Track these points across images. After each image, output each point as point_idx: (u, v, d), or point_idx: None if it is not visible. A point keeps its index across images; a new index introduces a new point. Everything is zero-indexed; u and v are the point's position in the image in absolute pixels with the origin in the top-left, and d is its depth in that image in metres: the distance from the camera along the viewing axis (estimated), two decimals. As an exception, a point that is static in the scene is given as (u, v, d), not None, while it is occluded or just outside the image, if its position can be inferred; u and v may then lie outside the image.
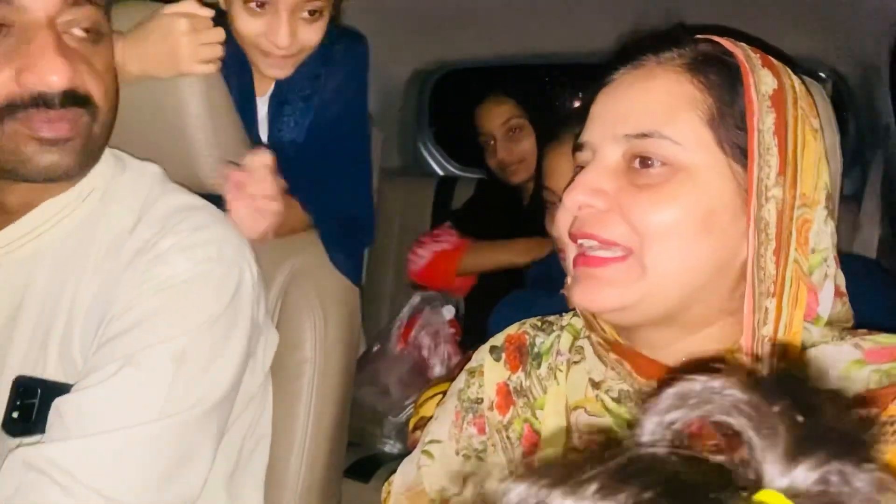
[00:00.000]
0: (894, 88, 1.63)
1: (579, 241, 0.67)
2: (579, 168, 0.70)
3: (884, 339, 0.64)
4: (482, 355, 0.85)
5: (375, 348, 1.86)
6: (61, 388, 0.79)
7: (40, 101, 0.75)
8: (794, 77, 0.69)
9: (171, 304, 0.80)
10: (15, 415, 0.79)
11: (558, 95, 2.68)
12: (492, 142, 1.98)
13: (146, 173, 0.91)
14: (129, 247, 0.83)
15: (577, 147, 0.71)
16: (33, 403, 0.79)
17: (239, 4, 1.16)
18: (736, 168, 0.64)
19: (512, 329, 0.85)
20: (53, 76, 0.74)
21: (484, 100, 2.02)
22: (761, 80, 0.65)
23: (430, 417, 1.25)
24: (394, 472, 0.87)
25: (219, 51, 0.99)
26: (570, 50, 1.99)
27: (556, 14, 1.80)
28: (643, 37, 0.72)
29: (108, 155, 0.90)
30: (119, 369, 0.76)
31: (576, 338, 0.78)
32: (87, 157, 0.83)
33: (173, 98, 0.97)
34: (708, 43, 0.69)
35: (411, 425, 1.59)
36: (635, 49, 0.70)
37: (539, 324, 0.84)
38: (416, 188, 2.29)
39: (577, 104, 2.41)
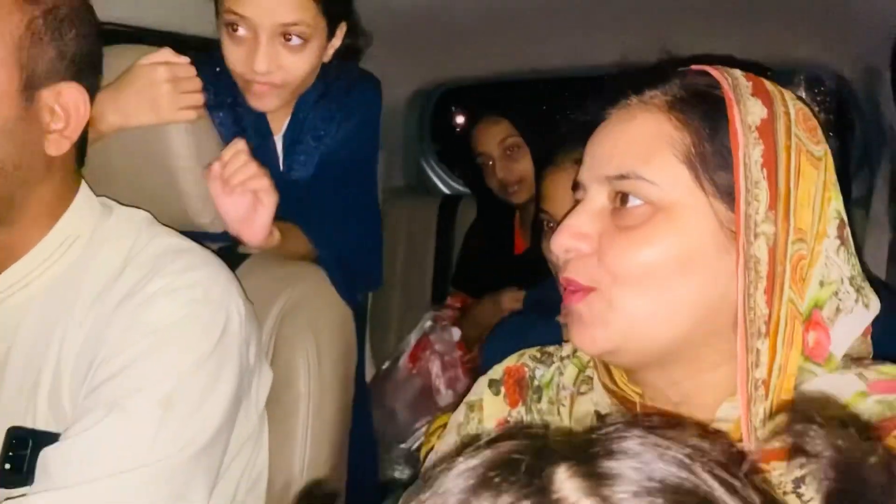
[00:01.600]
0: (896, 90, 1.61)
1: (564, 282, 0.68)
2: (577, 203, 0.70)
3: (889, 369, 0.62)
4: (481, 388, 0.83)
5: (382, 371, 1.86)
6: (52, 438, 0.78)
7: None
8: (791, 103, 0.67)
9: (158, 348, 0.80)
10: (7, 466, 0.79)
11: (552, 113, 2.69)
12: (490, 162, 1.98)
13: (133, 218, 0.92)
14: (117, 291, 0.83)
15: (575, 186, 0.71)
16: (25, 454, 0.79)
17: (223, 32, 1.17)
18: (718, 206, 0.62)
19: (511, 361, 0.84)
20: None
21: (479, 121, 2.01)
22: (748, 110, 0.63)
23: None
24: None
25: (199, 98, 1.00)
26: (567, 66, 1.99)
27: (553, 32, 1.80)
28: (628, 74, 0.72)
29: (94, 202, 0.90)
30: (105, 416, 0.76)
31: (582, 370, 0.77)
32: None
33: (160, 139, 0.98)
34: (696, 74, 0.68)
35: (422, 454, 1.58)
36: (620, 87, 0.69)
37: (538, 355, 0.82)
38: (421, 207, 2.29)
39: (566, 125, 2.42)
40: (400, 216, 2.24)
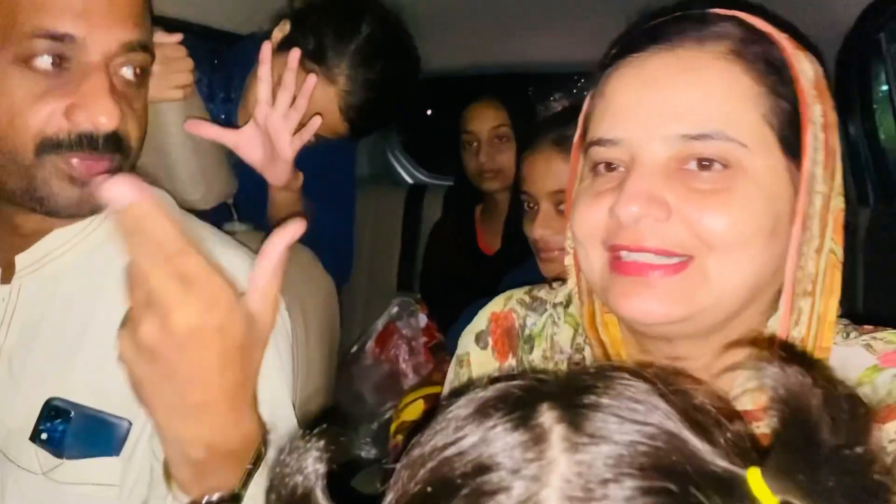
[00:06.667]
0: (838, 96, 1.69)
1: (625, 251, 0.60)
2: (599, 164, 0.63)
3: (893, 336, 0.62)
4: (466, 341, 0.79)
5: (349, 356, 1.88)
6: (93, 413, 0.79)
7: (84, 141, 0.75)
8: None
9: None
10: (44, 436, 0.79)
11: (542, 109, 2.70)
12: (475, 143, 1.97)
13: (164, 198, 0.93)
14: None
15: (598, 143, 0.62)
16: (64, 428, 0.79)
17: None
18: (791, 167, 0.60)
19: (496, 306, 0.79)
20: (103, 118, 0.74)
21: (477, 101, 2.00)
22: (801, 67, 0.60)
23: (412, 421, 1.23)
24: (371, 477, 0.88)
25: (188, 77, 1.02)
26: (550, 60, 2.00)
27: (534, 24, 1.82)
28: (672, 14, 0.64)
29: None
30: None
31: (576, 331, 0.74)
32: None
33: (152, 116, 0.98)
34: (741, 23, 0.62)
35: (392, 430, 1.61)
36: (665, 27, 0.63)
37: (527, 300, 0.77)
38: (388, 196, 2.31)
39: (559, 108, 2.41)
40: (367, 205, 2.25)
